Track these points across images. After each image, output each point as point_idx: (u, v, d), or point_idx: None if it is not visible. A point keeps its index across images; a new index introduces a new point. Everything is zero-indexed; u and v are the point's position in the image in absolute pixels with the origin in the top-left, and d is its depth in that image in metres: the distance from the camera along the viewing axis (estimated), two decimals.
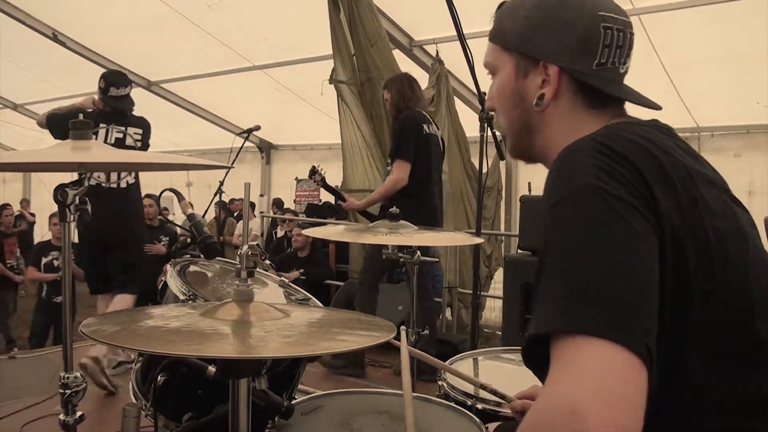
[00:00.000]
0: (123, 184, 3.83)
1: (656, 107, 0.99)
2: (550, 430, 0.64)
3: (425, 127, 3.53)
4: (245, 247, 1.12)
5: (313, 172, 3.82)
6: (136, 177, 3.95)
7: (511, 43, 1.00)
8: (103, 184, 3.65)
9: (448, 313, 5.21)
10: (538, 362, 0.76)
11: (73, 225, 1.48)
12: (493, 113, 1.10)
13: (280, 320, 1.08)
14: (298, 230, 5.92)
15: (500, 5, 1.04)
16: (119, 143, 3.82)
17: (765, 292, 0.82)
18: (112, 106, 3.87)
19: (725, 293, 0.79)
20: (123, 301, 3.77)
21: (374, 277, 3.72)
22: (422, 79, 5.44)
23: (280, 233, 7.38)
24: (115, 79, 3.92)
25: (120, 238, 3.80)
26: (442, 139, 3.76)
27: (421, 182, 3.51)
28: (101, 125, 3.79)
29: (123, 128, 3.87)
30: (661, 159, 0.81)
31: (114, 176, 3.73)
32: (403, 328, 1.41)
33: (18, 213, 10.88)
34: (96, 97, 3.92)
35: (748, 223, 0.88)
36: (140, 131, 3.96)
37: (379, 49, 4.41)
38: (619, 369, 0.65)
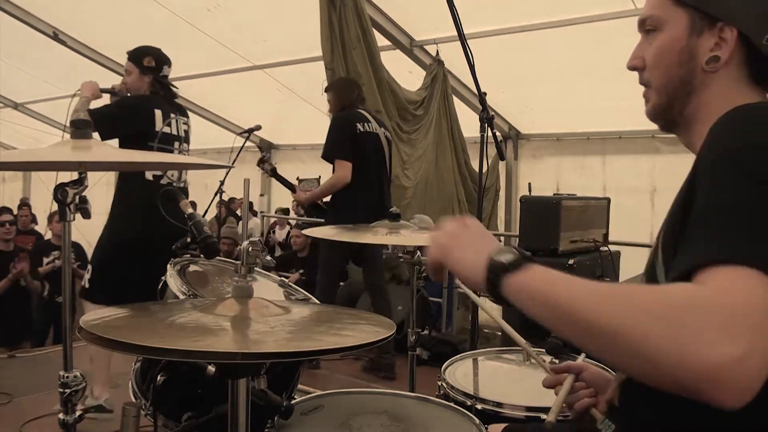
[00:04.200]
0: (183, 184, 3.32)
1: None
2: (703, 312, 0.64)
3: (359, 126, 3.71)
4: (245, 243, 1.12)
5: (262, 161, 3.95)
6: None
7: None
8: (175, 184, 3.16)
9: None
10: None
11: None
12: (636, 71, 1.04)
13: (280, 317, 1.08)
14: (297, 231, 5.92)
15: None
16: (187, 136, 3.29)
17: None
18: (165, 89, 3.18)
19: None
20: None
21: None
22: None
23: (279, 233, 7.39)
24: (165, 58, 3.24)
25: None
26: (387, 138, 3.89)
27: (359, 178, 3.68)
28: (171, 115, 3.15)
29: (186, 119, 3.28)
30: None
31: (184, 174, 3.30)
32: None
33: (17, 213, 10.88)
34: (124, 80, 3.22)
35: None
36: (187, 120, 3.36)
37: (357, 55, 4.54)
38: None
